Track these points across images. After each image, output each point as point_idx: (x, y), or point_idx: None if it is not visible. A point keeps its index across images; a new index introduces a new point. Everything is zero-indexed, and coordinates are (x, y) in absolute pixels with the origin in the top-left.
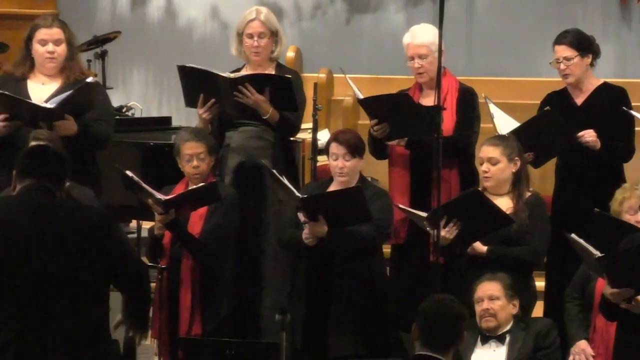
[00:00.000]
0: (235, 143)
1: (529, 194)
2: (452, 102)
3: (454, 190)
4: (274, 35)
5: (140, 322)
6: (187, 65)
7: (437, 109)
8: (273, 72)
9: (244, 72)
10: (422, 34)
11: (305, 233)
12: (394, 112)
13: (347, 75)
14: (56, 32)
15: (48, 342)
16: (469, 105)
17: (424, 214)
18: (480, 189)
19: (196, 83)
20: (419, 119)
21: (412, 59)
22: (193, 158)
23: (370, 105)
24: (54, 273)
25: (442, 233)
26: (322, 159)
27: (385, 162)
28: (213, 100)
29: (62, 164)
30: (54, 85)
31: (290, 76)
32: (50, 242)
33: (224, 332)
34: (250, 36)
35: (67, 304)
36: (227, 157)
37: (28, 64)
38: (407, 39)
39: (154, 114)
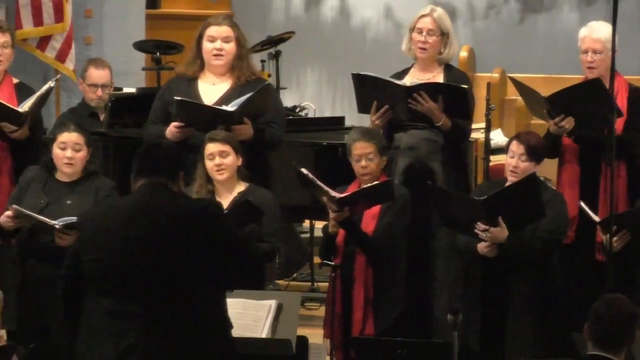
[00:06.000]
0: (405, 145)
1: None
2: (622, 102)
3: (621, 188)
4: (444, 36)
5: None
6: (362, 73)
7: (611, 108)
8: (441, 75)
9: (411, 74)
10: (600, 30)
11: (485, 245)
12: (584, 101)
13: (514, 75)
14: (225, 30)
15: (173, 340)
16: (639, 106)
17: (597, 218)
18: None
19: (371, 90)
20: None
21: (586, 52)
22: (362, 158)
23: (558, 100)
24: (170, 269)
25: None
26: (494, 159)
27: (553, 161)
28: (387, 106)
29: (173, 159)
30: (225, 85)
31: (466, 87)
32: (162, 239)
33: (397, 333)
34: (420, 31)
35: (188, 298)
36: (396, 158)
37: (198, 62)
38: (583, 32)
39: (327, 113)
